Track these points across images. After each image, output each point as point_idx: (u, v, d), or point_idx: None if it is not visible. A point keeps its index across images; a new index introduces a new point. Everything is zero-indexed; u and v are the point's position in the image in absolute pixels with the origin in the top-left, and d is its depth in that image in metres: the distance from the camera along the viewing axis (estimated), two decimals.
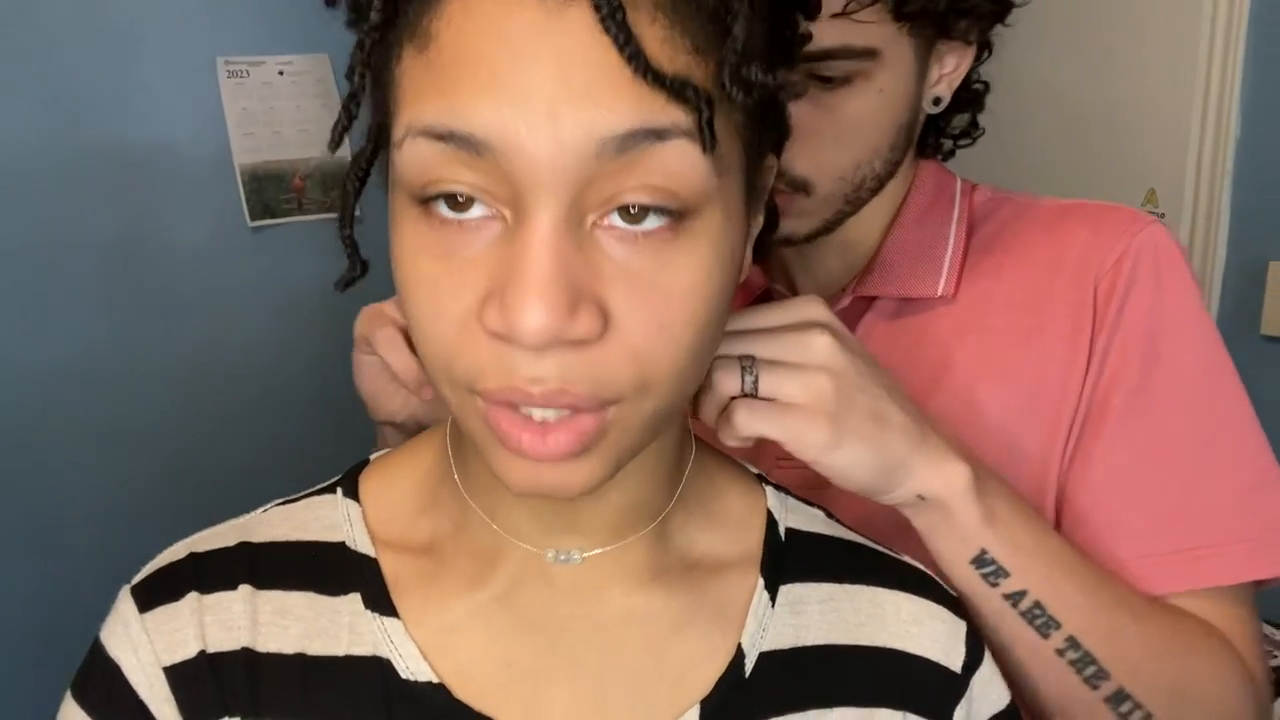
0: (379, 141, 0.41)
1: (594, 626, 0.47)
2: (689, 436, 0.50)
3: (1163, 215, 1.73)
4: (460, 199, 0.35)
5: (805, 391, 0.50)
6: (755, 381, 0.50)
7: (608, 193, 0.35)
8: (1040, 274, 0.68)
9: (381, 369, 0.66)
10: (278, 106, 2.04)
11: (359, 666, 0.46)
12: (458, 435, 0.48)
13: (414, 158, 0.36)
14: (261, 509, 0.52)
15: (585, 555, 0.46)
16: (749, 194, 0.41)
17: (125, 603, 0.47)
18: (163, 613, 0.46)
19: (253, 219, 2.02)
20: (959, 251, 0.71)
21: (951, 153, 0.80)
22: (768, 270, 0.80)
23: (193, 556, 0.48)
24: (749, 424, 0.50)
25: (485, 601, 0.47)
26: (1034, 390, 0.66)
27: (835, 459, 0.51)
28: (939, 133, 0.78)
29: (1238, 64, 1.58)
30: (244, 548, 0.48)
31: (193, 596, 0.47)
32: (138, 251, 1.94)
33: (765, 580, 0.49)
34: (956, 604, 0.52)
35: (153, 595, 0.47)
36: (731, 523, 0.51)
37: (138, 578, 0.49)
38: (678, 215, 0.35)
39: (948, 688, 0.49)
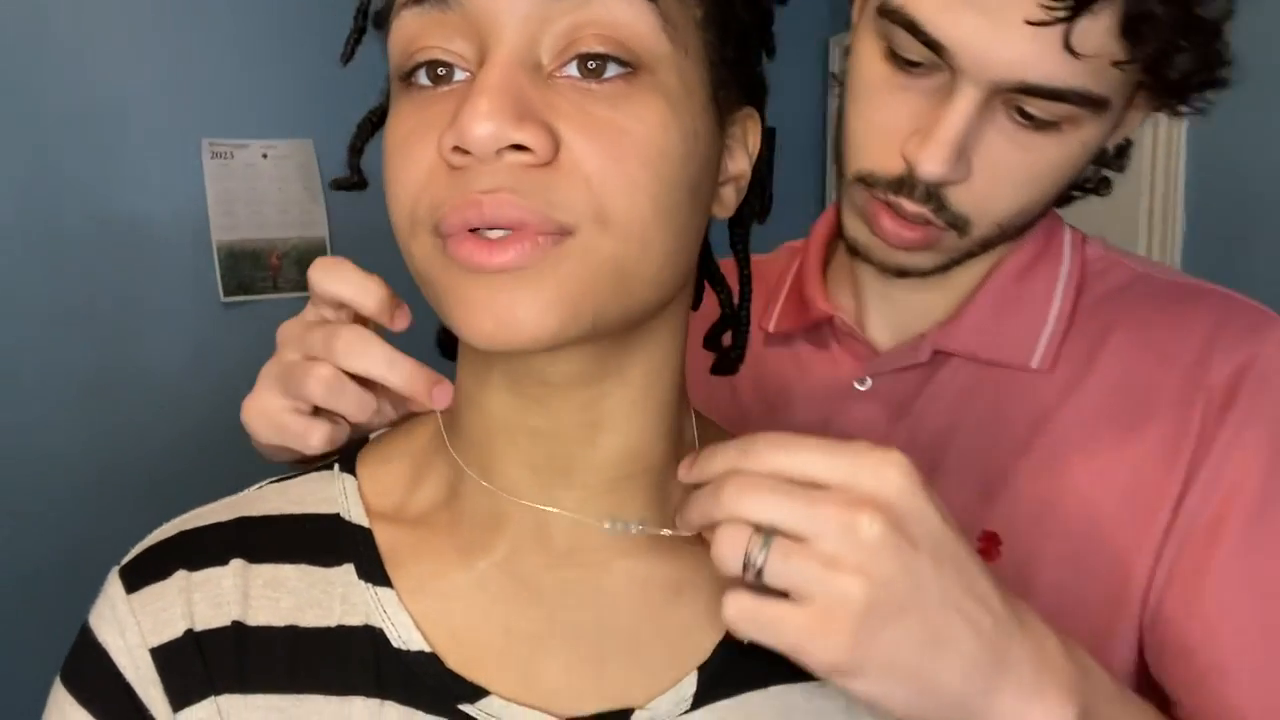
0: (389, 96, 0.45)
1: (593, 590, 0.46)
2: (687, 400, 0.49)
3: None
4: (440, 70, 0.39)
5: (825, 594, 0.37)
6: (761, 570, 0.38)
7: (561, 37, 0.37)
8: (1151, 360, 0.60)
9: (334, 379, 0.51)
10: (259, 187, 2.09)
11: (351, 636, 0.45)
12: (453, 401, 0.49)
13: (398, 32, 0.40)
14: (256, 486, 0.51)
15: (641, 527, 0.44)
16: (724, 105, 0.43)
17: (113, 584, 0.46)
18: (149, 593, 0.45)
19: (226, 294, 2.05)
20: (1064, 318, 0.62)
21: (1069, 199, 0.67)
22: (831, 294, 0.70)
23: (182, 535, 0.47)
24: (738, 622, 0.39)
25: (484, 569, 0.46)
26: (1126, 491, 0.58)
27: (854, 687, 0.38)
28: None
29: (1178, 200, 1.66)
30: (239, 523, 0.48)
31: (180, 575, 0.46)
32: (112, 320, 1.95)
33: None
34: None
35: (140, 575, 0.46)
36: None
37: (126, 558, 0.48)
38: (632, 69, 0.38)
39: None
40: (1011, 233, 0.60)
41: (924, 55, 0.53)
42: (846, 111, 0.60)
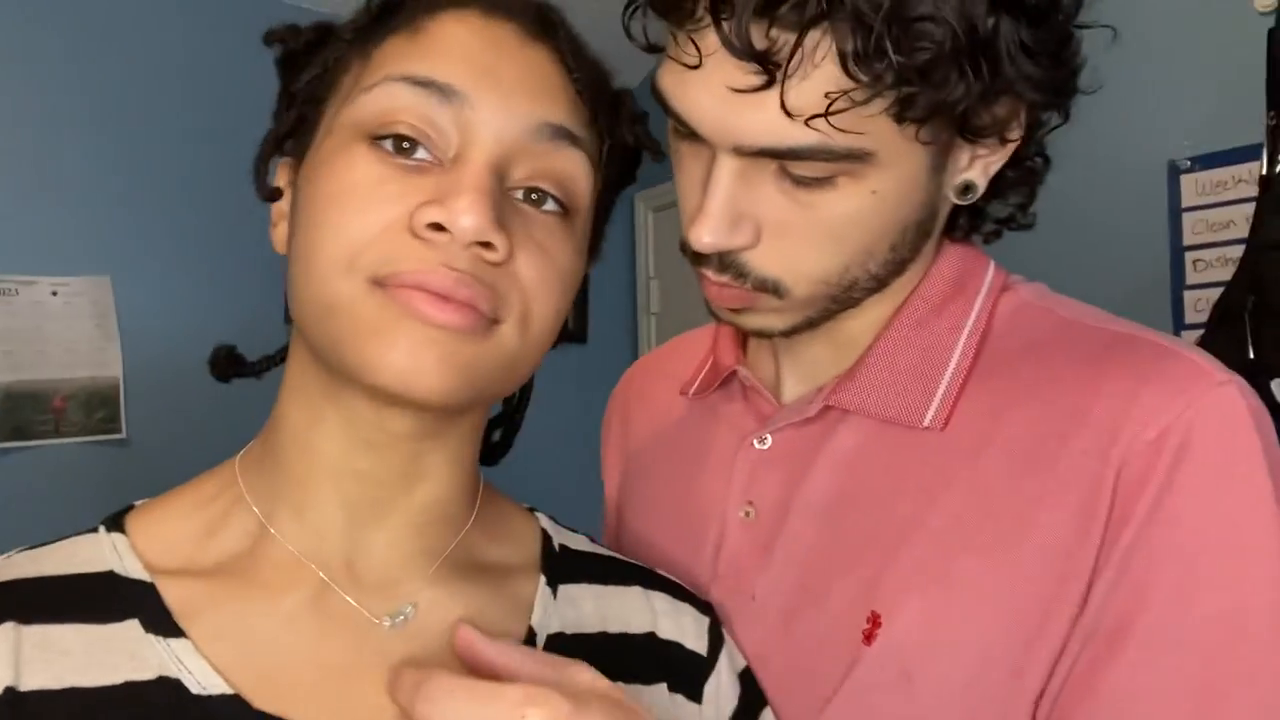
0: (294, 127, 0.50)
1: (405, 619, 0.49)
2: (478, 467, 0.55)
3: None
4: (405, 144, 0.45)
5: None
6: None
7: (526, 170, 0.46)
8: (1056, 424, 0.52)
9: None
10: (45, 326, 1.96)
11: (142, 692, 0.43)
12: (252, 456, 0.51)
13: (385, 97, 0.45)
14: (4, 555, 0.48)
15: (414, 609, 0.49)
16: (591, 250, 0.53)
17: None
18: None
19: (0, 440, 1.88)
20: (962, 371, 0.57)
21: (997, 234, 0.63)
22: (752, 355, 0.68)
23: None
24: None
25: (291, 608, 0.47)
26: (1024, 575, 0.51)
27: None
28: (976, 215, 0.62)
29: None
30: None
31: None
32: None
33: (547, 578, 0.55)
34: (705, 605, 0.61)
35: None
36: (515, 538, 0.57)
37: None
38: (565, 211, 0.48)
39: (700, 668, 0.58)
40: (860, 284, 0.55)
41: (685, 127, 0.53)
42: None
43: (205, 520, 0.49)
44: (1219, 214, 1.43)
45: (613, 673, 0.47)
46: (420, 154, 0.45)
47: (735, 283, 0.55)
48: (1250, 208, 1.28)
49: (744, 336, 0.69)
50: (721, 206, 0.52)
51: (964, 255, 0.61)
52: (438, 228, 0.42)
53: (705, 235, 0.52)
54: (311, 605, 0.47)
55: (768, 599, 0.60)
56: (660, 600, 0.58)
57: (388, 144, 0.45)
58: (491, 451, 0.59)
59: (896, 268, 0.57)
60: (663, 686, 0.55)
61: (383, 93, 0.45)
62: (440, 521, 0.51)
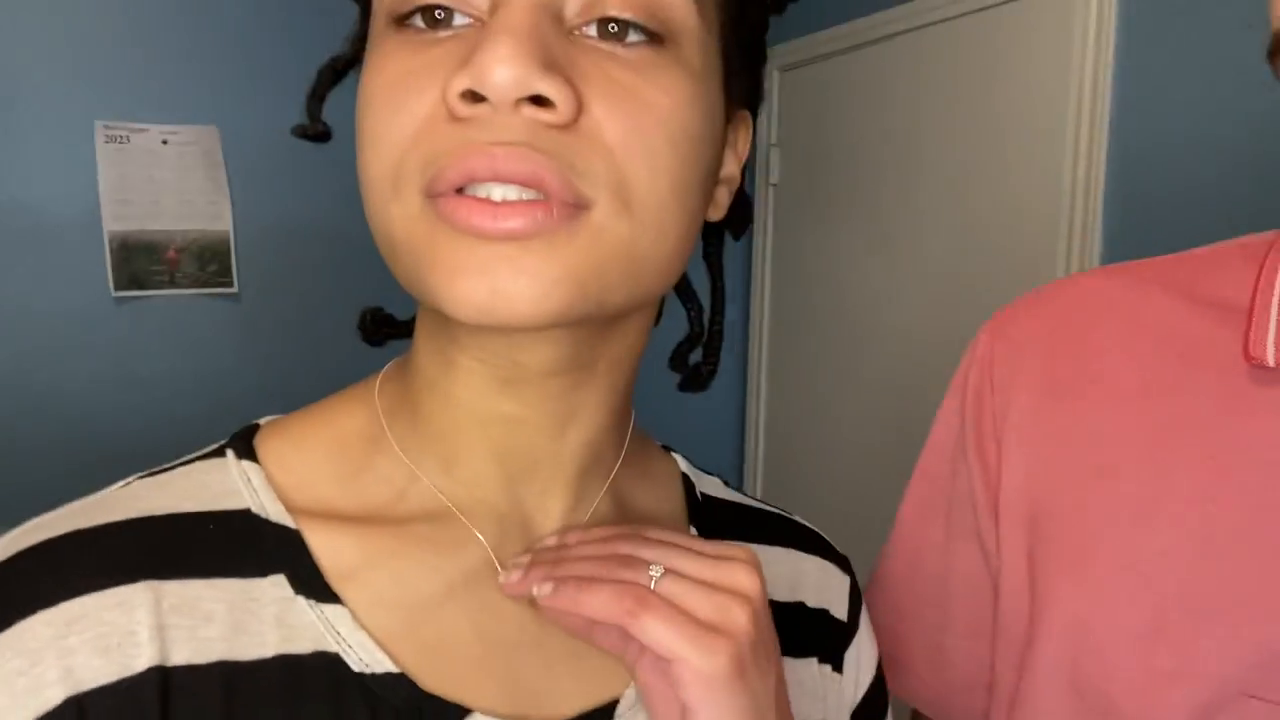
0: (359, 46, 0.41)
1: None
2: (631, 399, 0.46)
3: None
4: (438, 13, 0.35)
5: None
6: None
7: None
8: None
9: None
10: (158, 176, 1.96)
11: (298, 669, 0.36)
12: (391, 393, 0.43)
13: None
14: (117, 484, 0.40)
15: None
16: (728, 88, 0.40)
17: None
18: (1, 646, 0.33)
19: (117, 289, 1.92)
20: None
21: None
22: None
23: (34, 553, 0.35)
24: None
25: (451, 571, 0.41)
26: None
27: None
28: None
29: (1098, 199, 1.69)
30: (116, 529, 0.36)
31: (46, 615, 0.33)
32: None
33: (697, 532, 0.49)
34: (845, 560, 0.54)
35: None
36: (659, 482, 0.50)
37: None
38: (658, 38, 0.35)
39: (840, 633, 0.52)
40: None
41: None
42: None
43: (347, 460, 0.42)
44: None
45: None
46: (458, 20, 0.35)
47: None
48: None
49: None
50: None
51: None
52: (472, 96, 0.32)
53: None
54: (471, 569, 0.41)
55: None
56: (809, 562, 0.52)
57: (417, 20, 0.35)
58: (695, 374, 0.49)
59: None
60: (813, 660, 0.50)
61: None
62: (594, 466, 0.44)
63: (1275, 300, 0.46)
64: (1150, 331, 0.50)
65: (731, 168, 0.43)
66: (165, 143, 1.96)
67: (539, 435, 0.41)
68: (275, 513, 0.39)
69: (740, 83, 0.41)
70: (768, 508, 0.54)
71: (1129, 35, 1.63)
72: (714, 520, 0.50)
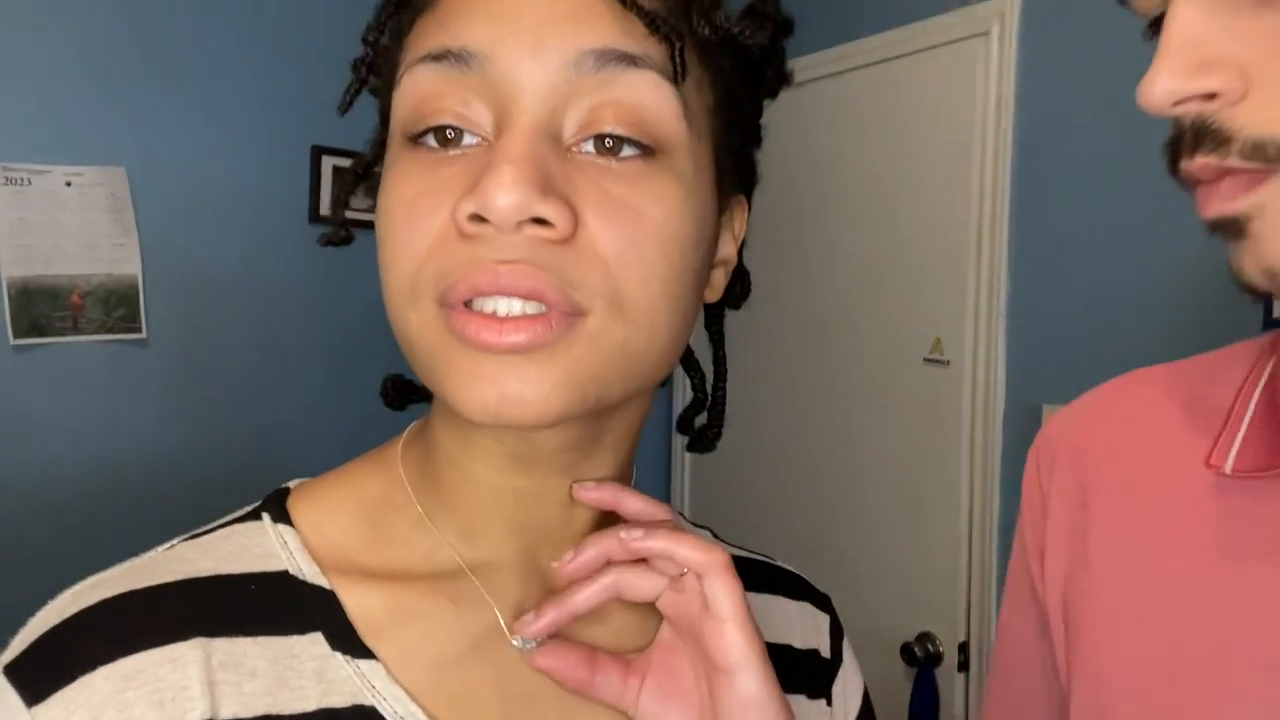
0: (378, 152, 0.45)
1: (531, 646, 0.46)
2: (634, 456, 0.49)
3: (947, 363, 1.88)
4: (449, 134, 0.38)
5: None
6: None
7: (584, 113, 0.37)
8: None
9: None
10: (61, 218, 1.88)
11: None
12: (413, 462, 0.46)
13: (410, 88, 0.39)
14: (162, 547, 0.43)
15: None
16: (722, 192, 0.44)
17: (3, 692, 0.36)
18: (61, 701, 0.35)
19: (16, 336, 1.82)
20: None
21: None
22: None
23: (94, 612, 0.38)
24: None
25: (474, 629, 0.43)
26: None
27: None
28: None
29: (1004, 223, 1.77)
30: (167, 590, 0.39)
31: (106, 670, 0.36)
32: None
33: None
34: (825, 599, 0.59)
35: (44, 675, 0.36)
36: None
37: (12, 653, 0.37)
38: (649, 150, 0.38)
39: (827, 670, 0.56)
40: None
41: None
42: None
43: (374, 525, 0.45)
44: None
45: None
46: (466, 140, 0.38)
47: (1215, 157, 0.37)
48: None
49: None
50: (1183, 41, 0.37)
51: None
52: (479, 219, 0.36)
53: (1157, 82, 0.37)
54: (493, 626, 0.44)
55: None
56: (794, 607, 0.56)
57: (430, 139, 0.38)
58: (701, 436, 0.52)
59: None
60: (803, 697, 0.54)
61: (409, 83, 0.39)
62: (603, 527, 0.47)
63: (1251, 409, 0.47)
64: (1148, 437, 0.52)
65: (727, 250, 0.47)
66: (69, 184, 1.89)
67: (552, 506, 0.45)
68: (311, 574, 0.42)
69: (733, 173, 0.45)
70: (753, 555, 0.58)
71: (1028, 78, 1.72)
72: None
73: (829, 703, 0.55)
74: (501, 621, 0.44)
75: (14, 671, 0.36)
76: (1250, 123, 0.35)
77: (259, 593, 0.41)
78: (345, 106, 0.45)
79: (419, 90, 0.38)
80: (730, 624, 0.42)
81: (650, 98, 0.37)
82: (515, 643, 0.44)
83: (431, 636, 0.43)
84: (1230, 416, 0.48)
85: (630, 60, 0.37)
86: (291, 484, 0.47)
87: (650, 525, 0.44)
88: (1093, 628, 0.51)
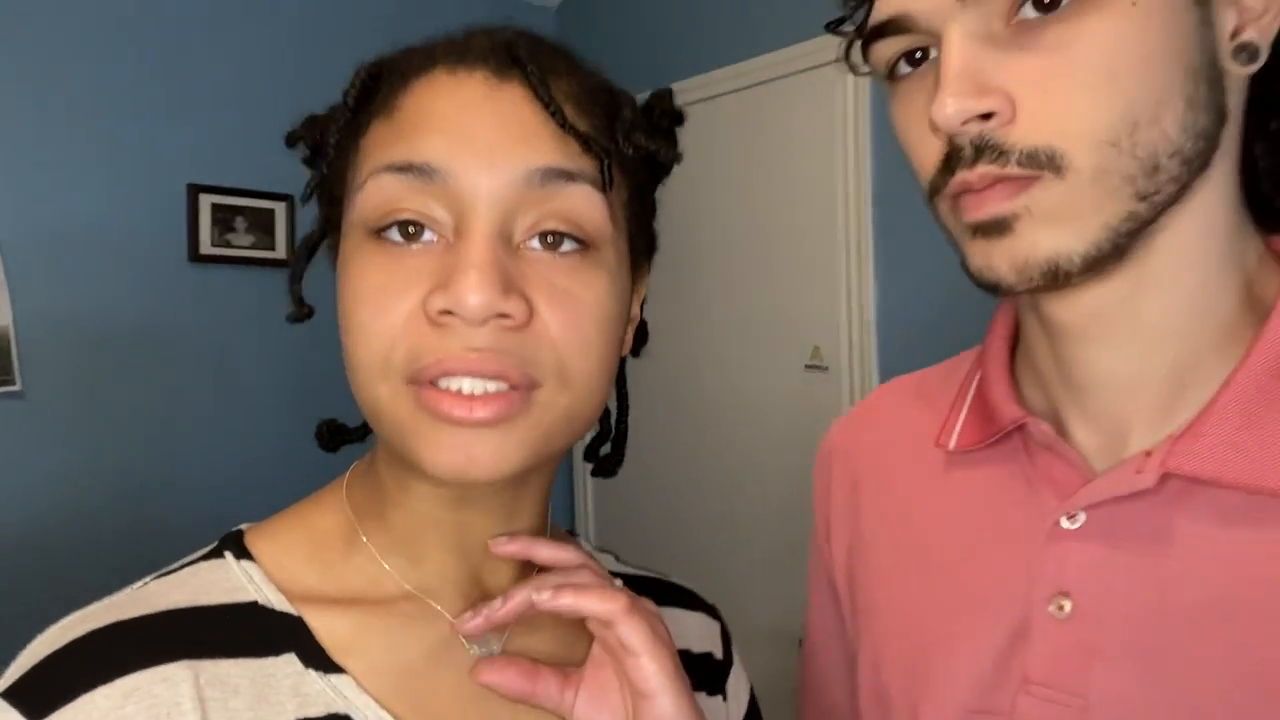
0: (325, 229, 0.50)
1: (518, 646, 0.52)
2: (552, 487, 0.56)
3: (826, 369, 2.00)
4: (410, 229, 0.44)
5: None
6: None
7: (531, 219, 0.44)
8: None
9: None
10: None
11: None
12: (358, 500, 0.51)
13: (375, 191, 0.44)
14: (136, 585, 0.47)
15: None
16: (634, 271, 0.51)
17: (4, 713, 0.39)
18: (64, 717, 0.39)
19: None
20: None
21: None
22: (1020, 390, 0.55)
23: (88, 640, 0.42)
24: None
25: (430, 641, 0.49)
26: None
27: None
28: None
29: (869, 237, 1.90)
30: (152, 620, 0.44)
31: (105, 690, 0.40)
32: None
33: None
34: (714, 608, 0.66)
35: (45, 696, 0.40)
36: None
37: (8, 680, 0.41)
38: (584, 246, 0.45)
39: (721, 670, 0.63)
40: (1163, 161, 0.43)
41: (901, 30, 0.47)
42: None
43: (327, 557, 0.50)
44: None
45: None
46: (426, 235, 0.44)
47: (995, 167, 0.43)
48: None
49: (1011, 377, 0.55)
50: (961, 66, 0.43)
51: None
52: (449, 313, 0.42)
53: (948, 104, 0.43)
54: (445, 637, 0.50)
55: (1113, 714, 0.48)
56: (690, 617, 0.63)
57: (393, 233, 0.44)
58: (604, 464, 0.59)
59: (1203, 145, 0.45)
60: (702, 694, 0.60)
61: (373, 187, 0.44)
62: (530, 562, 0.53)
63: (969, 399, 0.58)
64: (898, 430, 0.64)
65: (635, 310, 0.55)
66: None
67: (489, 533, 0.51)
68: (278, 602, 0.47)
69: (641, 246, 0.52)
70: (650, 574, 0.65)
71: (881, 99, 1.86)
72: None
73: (724, 699, 0.62)
74: (456, 631, 0.50)
75: (14, 694, 0.40)
76: (1022, 138, 0.43)
77: (234, 621, 0.45)
78: (306, 199, 0.50)
79: (383, 194, 0.44)
80: (644, 657, 0.47)
81: (585, 205, 0.45)
82: (474, 650, 0.50)
83: (392, 650, 0.48)
84: (953, 406, 0.59)
85: (569, 176, 0.44)
86: (242, 526, 0.51)
87: (563, 570, 0.50)
88: (868, 589, 0.61)
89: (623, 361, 0.57)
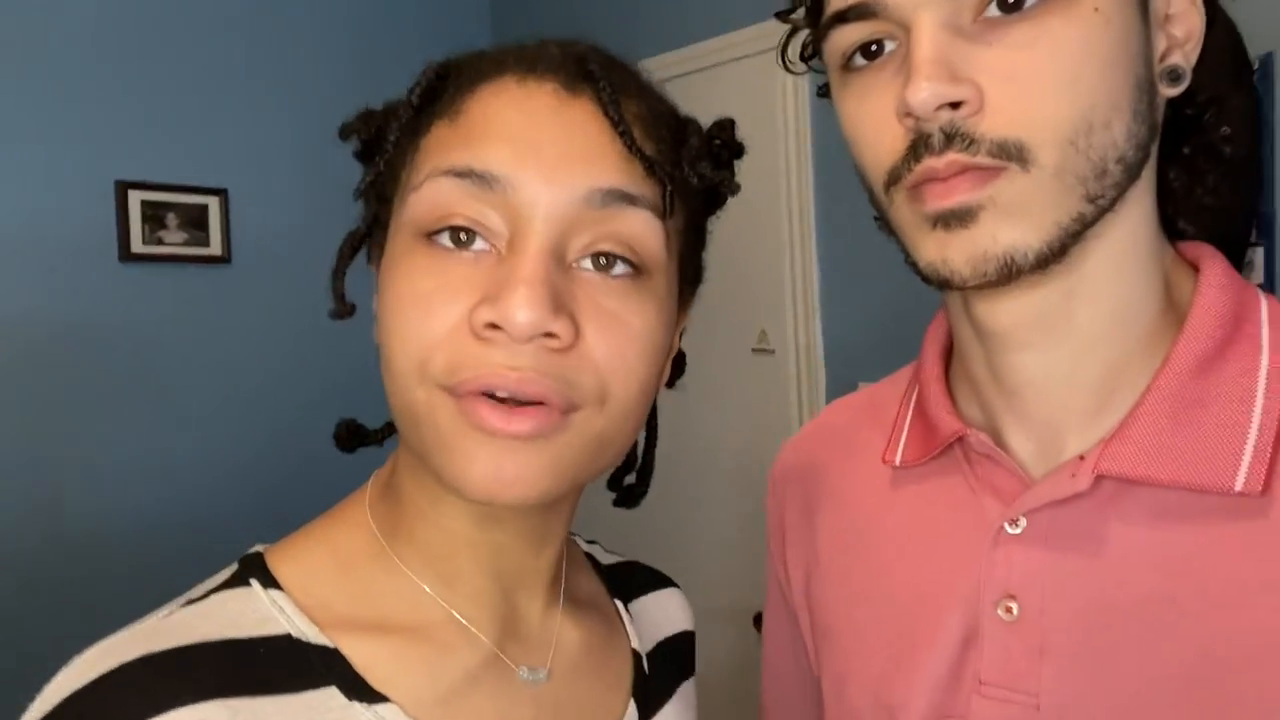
0: (371, 227, 0.49)
1: (554, 666, 0.52)
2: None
3: (773, 351, 2.02)
4: (463, 236, 0.43)
5: None
6: None
7: (586, 239, 0.43)
8: None
9: None
10: None
11: None
12: (381, 516, 0.50)
13: (431, 194, 0.43)
14: (160, 613, 0.44)
15: (546, 671, 0.51)
16: (681, 297, 0.51)
17: None
18: None
19: None
20: (1273, 420, 0.46)
21: (1205, 226, 0.54)
22: (958, 404, 0.57)
23: (118, 675, 0.40)
24: None
25: (471, 667, 0.48)
26: None
27: None
28: (1189, 169, 0.53)
29: (810, 222, 1.93)
30: (182, 654, 0.41)
31: None
32: None
33: (622, 601, 0.61)
34: (677, 585, 0.68)
35: None
36: (581, 566, 0.61)
37: (35, 716, 0.39)
38: (637, 271, 0.45)
39: (694, 644, 0.65)
40: (1110, 165, 0.45)
41: (867, 13, 0.47)
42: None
43: (357, 579, 0.48)
44: None
45: (684, 671, 0.61)
46: (478, 244, 0.43)
47: (965, 155, 0.44)
48: None
49: (948, 390, 0.57)
50: (934, 54, 0.44)
51: (1228, 275, 0.50)
52: (495, 326, 0.41)
53: (923, 88, 0.43)
54: (486, 663, 0.49)
55: (1065, 711, 0.49)
56: (666, 595, 0.65)
57: (444, 238, 0.43)
58: (629, 494, 0.59)
59: (1139, 157, 0.47)
60: (691, 681, 0.62)
61: (430, 189, 0.43)
62: (558, 578, 0.54)
63: (909, 417, 0.59)
64: (849, 450, 0.64)
65: (677, 343, 0.54)
66: None
67: (524, 555, 0.50)
68: (312, 634, 0.45)
69: (689, 276, 0.52)
70: (628, 559, 0.66)
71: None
72: (621, 585, 0.62)
73: (693, 673, 0.63)
74: (499, 654, 0.49)
75: None
76: (992, 128, 0.44)
77: (268, 656, 0.43)
78: (359, 195, 0.49)
79: (440, 198, 0.43)
80: None
81: (643, 231, 0.44)
82: (523, 675, 0.49)
83: (434, 676, 0.46)
84: (895, 423, 0.60)
85: (630, 199, 0.43)
86: (260, 548, 0.49)
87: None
88: (828, 612, 0.62)
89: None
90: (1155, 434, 0.47)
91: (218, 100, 2.16)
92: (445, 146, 0.44)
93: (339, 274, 0.50)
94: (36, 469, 1.94)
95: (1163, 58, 0.48)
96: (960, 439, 0.54)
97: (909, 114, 0.44)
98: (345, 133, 0.49)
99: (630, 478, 0.59)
